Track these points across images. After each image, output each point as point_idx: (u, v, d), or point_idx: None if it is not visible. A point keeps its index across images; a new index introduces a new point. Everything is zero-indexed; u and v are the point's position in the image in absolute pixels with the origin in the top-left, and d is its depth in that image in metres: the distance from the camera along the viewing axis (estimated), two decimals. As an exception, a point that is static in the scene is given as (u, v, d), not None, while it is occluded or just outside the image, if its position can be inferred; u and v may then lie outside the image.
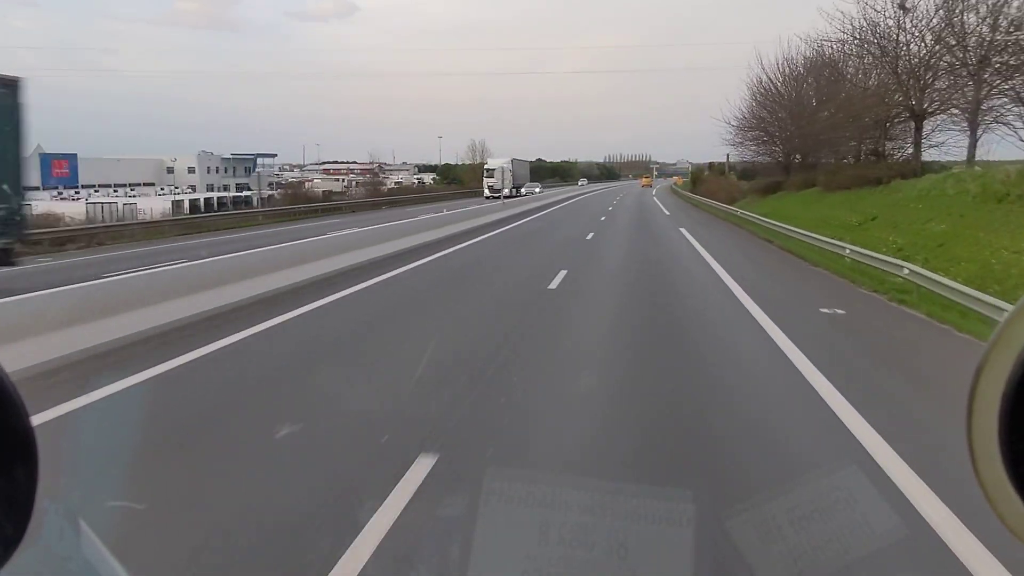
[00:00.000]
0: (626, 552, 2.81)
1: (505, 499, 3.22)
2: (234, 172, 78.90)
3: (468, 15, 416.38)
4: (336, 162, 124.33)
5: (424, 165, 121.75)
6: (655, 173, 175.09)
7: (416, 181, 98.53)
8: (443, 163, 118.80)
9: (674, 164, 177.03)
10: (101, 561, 0.88)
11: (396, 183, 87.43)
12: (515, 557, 2.86)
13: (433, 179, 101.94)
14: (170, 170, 77.23)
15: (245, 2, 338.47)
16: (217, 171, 78.75)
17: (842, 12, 34.87)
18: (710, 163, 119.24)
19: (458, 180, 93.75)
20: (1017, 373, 0.57)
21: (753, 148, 47.08)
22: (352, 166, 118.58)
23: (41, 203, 29.90)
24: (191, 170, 76.35)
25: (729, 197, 42.21)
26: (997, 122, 24.37)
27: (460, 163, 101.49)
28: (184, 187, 65.68)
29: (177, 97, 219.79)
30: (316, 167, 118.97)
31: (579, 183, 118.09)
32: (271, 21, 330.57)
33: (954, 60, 25.39)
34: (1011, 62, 22.93)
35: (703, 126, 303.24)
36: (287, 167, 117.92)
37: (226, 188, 67.88)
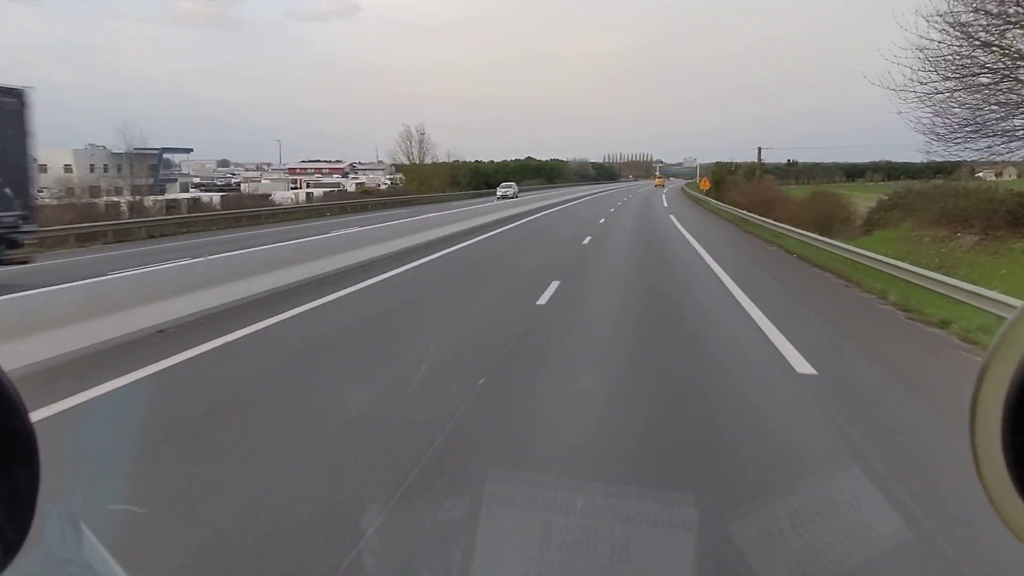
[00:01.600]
0: (628, 555, 2.80)
1: (506, 502, 3.21)
2: (132, 170, 62.39)
3: (466, 11, 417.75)
4: (317, 160, 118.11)
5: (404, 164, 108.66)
6: (657, 173, 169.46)
7: (387, 182, 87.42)
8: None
9: (679, 164, 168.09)
10: (103, 564, 0.88)
11: (358, 185, 79.47)
12: (517, 561, 2.86)
13: (400, 179, 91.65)
14: (44, 168, 57.92)
15: (245, 2, 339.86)
16: (106, 169, 62.62)
17: None
18: (718, 163, 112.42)
19: (423, 180, 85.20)
20: (1019, 377, 0.57)
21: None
22: (321, 166, 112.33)
23: None
24: (68, 168, 60.38)
25: (815, 217, 22.94)
26: None
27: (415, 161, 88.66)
28: (57, 190, 50.86)
29: (171, 94, 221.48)
30: (282, 168, 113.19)
31: (499, 194, 60.31)
32: (271, 20, 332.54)
33: None
34: None
35: (710, 123, 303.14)
36: (265, 167, 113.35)
37: (118, 191, 53.30)
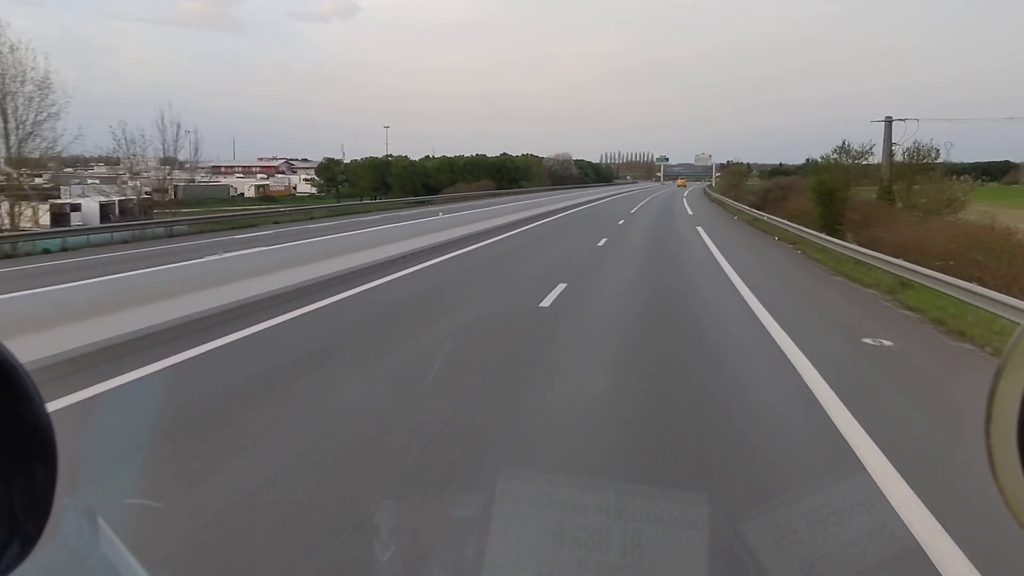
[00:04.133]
0: (640, 554, 2.80)
1: (519, 500, 3.22)
2: None
3: (465, 13, 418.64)
4: (276, 158, 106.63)
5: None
6: (661, 174, 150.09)
7: (294, 186, 76.79)
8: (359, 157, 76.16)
9: (684, 164, 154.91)
10: (119, 559, 0.89)
11: (259, 188, 68.02)
12: (529, 558, 2.86)
13: (311, 179, 76.13)
14: None
15: (245, 2, 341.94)
16: None
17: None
18: (730, 162, 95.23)
19: (349, 181, 69.54)
20: None
21: None
22: (253, 163, 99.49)
23: None
24: None
25: None
26: None
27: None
28: None
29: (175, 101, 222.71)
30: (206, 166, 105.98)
31: None
32: (270, 21, 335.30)
33: None
34: None
35: (715, 122, 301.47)
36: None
37: None
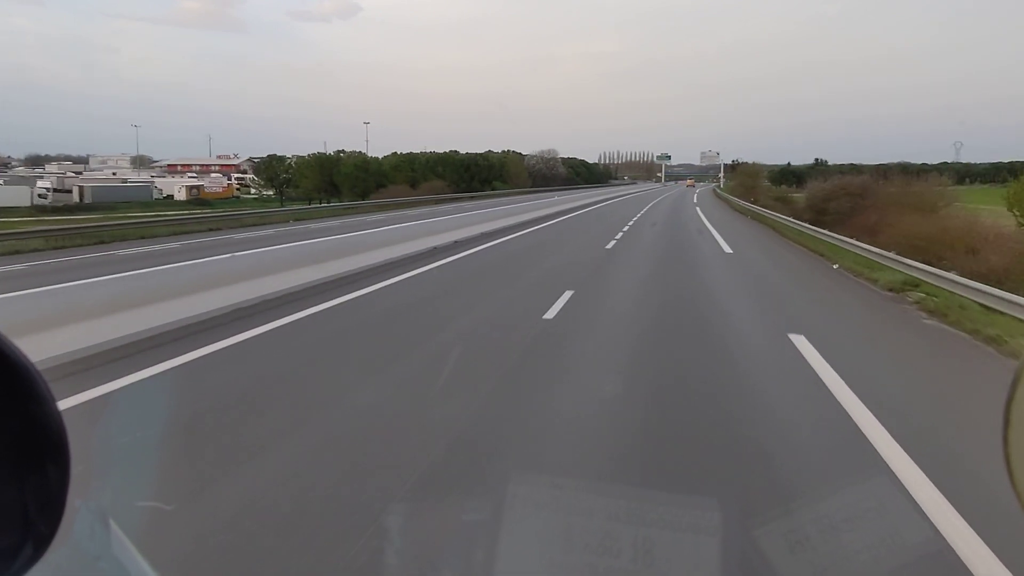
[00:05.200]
0: (652, 559, 2.78)
1: (530, 504, 3.21)
2: None
3: (467, 14, 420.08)
4: (237, 156, 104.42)
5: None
6: (662, 175, 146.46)
7: (237, 184, 70.78)
8: (316, 153, 64.65)
9: (685, 164, 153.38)
10: (131, 560, 0.90)
11: (192, 188, 61.12)
12: (540, 563, 2.85)
13: (251, 180, 69.19)
14: None
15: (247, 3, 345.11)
16: None
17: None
18: (737, 161, 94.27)
19: (288, 183, 61.49)
20: None
21: None
22: (218, 162, 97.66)
23: None
24: None
25: None
26: None
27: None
28: None
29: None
30: (160, 164, 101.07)
31: None
32: (271, 21, 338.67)
33: None
34: None
35: (723, 118, 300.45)
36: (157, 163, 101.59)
37: None
